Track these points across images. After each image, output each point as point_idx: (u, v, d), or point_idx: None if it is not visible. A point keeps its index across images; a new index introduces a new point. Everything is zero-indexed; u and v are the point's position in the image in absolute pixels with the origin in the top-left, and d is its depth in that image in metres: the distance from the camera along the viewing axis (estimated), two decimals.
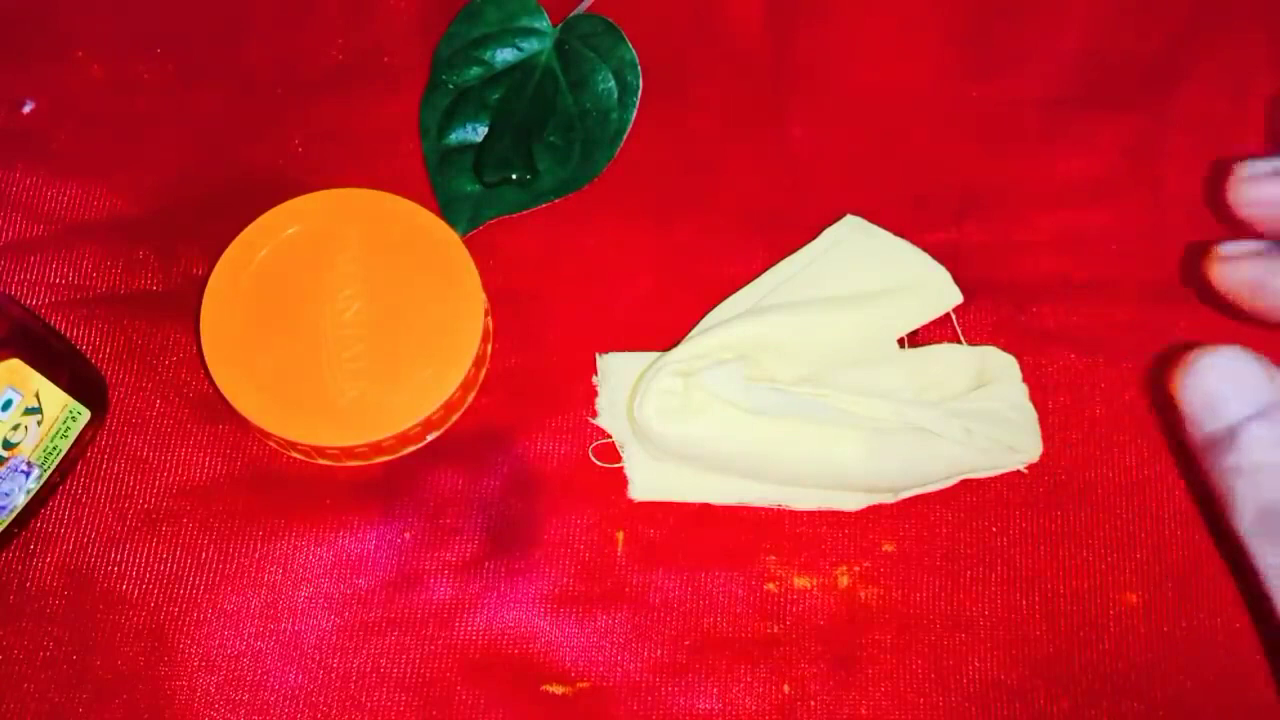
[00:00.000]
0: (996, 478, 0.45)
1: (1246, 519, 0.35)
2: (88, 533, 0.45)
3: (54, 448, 0.43)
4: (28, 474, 0.42)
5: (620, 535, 0.45)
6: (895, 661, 0.43)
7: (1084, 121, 0.50)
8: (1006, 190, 0.49)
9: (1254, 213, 0.41)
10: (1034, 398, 0.45)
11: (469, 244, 0.46)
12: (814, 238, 0.47)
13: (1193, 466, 0.38)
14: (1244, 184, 0.41)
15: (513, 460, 0.46)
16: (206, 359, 0.44)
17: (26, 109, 0.51)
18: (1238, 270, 0.40)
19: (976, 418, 0.44)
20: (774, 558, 0.44)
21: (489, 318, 0.47)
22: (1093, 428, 0.45)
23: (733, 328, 0.44)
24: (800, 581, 0.44)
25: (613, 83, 0.50)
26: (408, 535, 0.45)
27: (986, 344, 0.46)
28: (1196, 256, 0.41)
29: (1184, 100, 0.50)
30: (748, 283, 0.47)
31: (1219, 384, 0.35)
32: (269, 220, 0.46)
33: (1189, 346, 0.36)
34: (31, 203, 0.49)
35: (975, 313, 0.47)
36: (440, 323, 0.44)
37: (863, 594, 0.44)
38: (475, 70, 0.50)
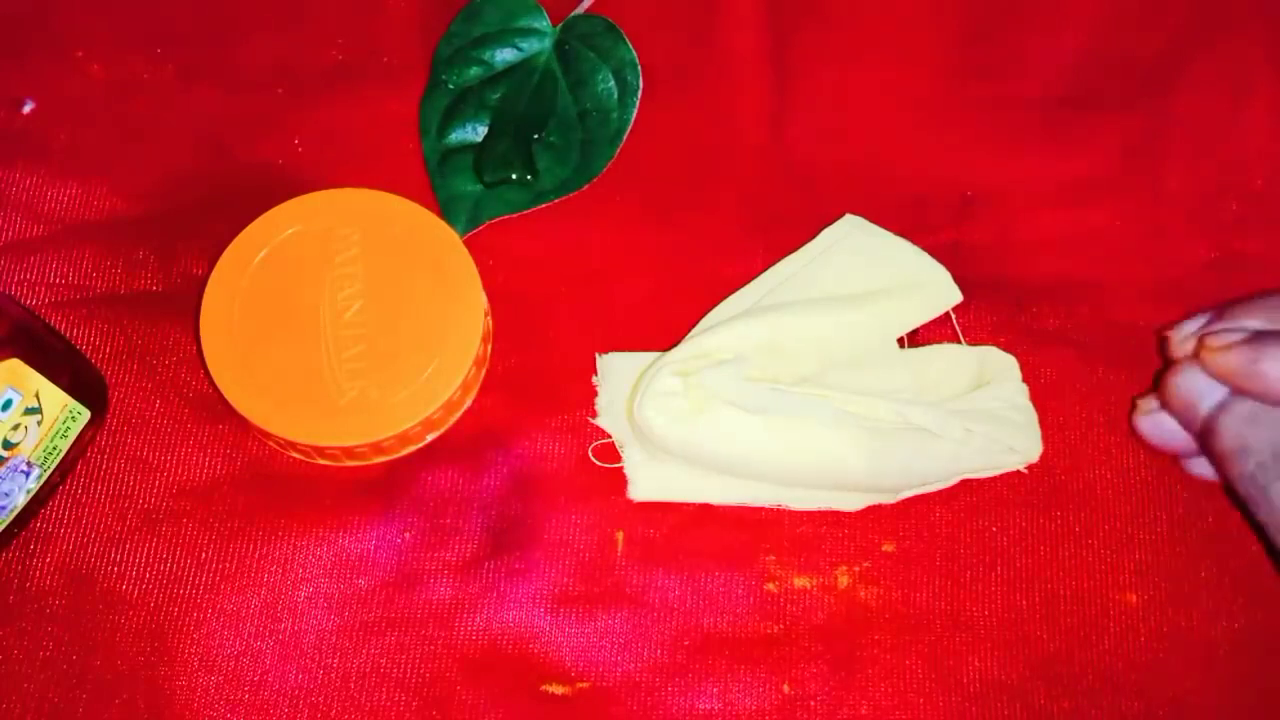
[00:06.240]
0: (996, 478, 0.45)
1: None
2: (88, 533, 0.45)
3: (54, 448, 0.43)
4: (28, 474, 0.42)
5: (620, 535, 0.45)
6: (895, 661, 0.43)
7: (1084, 121, 0.50)
8: (1006, 190, 0.49)
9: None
10: (1034, 398, 0.45)
11: (469, 244, 0.46)
12: (814, 238, 0.47)
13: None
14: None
15: (513, 460, 0.46)
16: (206, 359, 0.44)
17: (26, 109, 0.51)
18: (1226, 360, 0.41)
19: (976, 418, 0.43)
20: (774, 558, 0.44)
21: (489, 318, 0.47)
22: (1092, 428, 0.45)
23: (733, 328, 0.44)
24: (800, 581, 0.44)
25: (613, 83, 0.50)
26: (408, 535, 0.45)
27: (986, 344, 0.46)
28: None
29: (1184, 100, 0.50)
30: (748, 283, 0.47)
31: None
32: (269, 220, 0.46)
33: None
34: (31, 203, 0.49)
35: (975, 313, 0.47)
36: (440, 323, 0.44)
37: (863, 594, 0.44)
38: (475, 70, 0.50)
